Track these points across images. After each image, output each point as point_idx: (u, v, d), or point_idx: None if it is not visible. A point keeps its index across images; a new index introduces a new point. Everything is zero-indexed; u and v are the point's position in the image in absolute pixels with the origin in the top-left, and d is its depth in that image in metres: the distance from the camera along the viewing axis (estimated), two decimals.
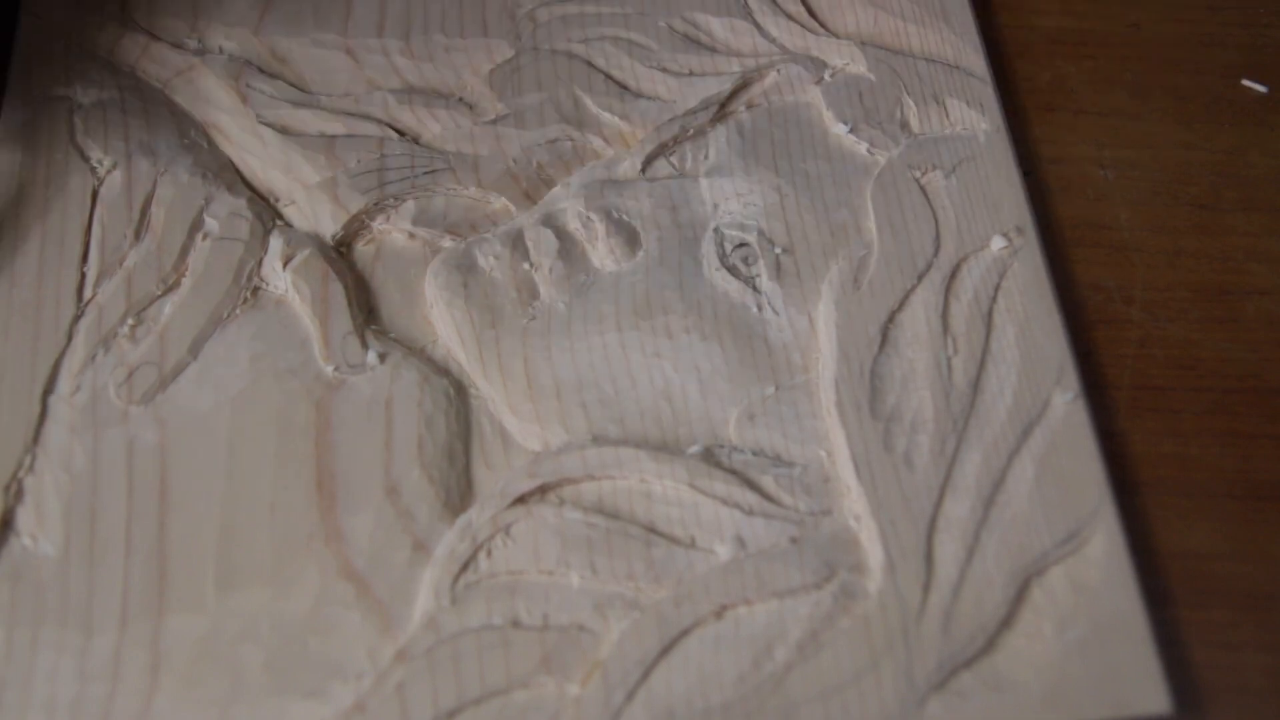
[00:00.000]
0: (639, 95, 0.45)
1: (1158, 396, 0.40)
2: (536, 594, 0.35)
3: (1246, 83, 0.47)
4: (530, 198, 0.43)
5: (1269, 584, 0.37)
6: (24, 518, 0.36)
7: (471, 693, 0.34)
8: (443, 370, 0.39)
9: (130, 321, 0.40)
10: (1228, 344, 0.41)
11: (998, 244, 0.41)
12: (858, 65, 0.45)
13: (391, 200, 0.42)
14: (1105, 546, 0.36)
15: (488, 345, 0.40)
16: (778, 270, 0.41)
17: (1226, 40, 0.47)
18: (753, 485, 0.37)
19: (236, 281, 0.40)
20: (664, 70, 0.46)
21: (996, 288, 0.40)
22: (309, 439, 0.38)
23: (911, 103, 0.45)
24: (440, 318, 0.40)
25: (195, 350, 0.39)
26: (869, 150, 0.44)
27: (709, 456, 0.38)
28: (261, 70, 0.45)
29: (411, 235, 0.42)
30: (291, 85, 0.45)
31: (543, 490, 0.37)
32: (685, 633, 0.35)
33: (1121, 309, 0.41)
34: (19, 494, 0.37)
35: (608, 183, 0.43)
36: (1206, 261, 0.42)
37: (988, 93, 0.45)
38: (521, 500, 0.37)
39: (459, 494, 0.37)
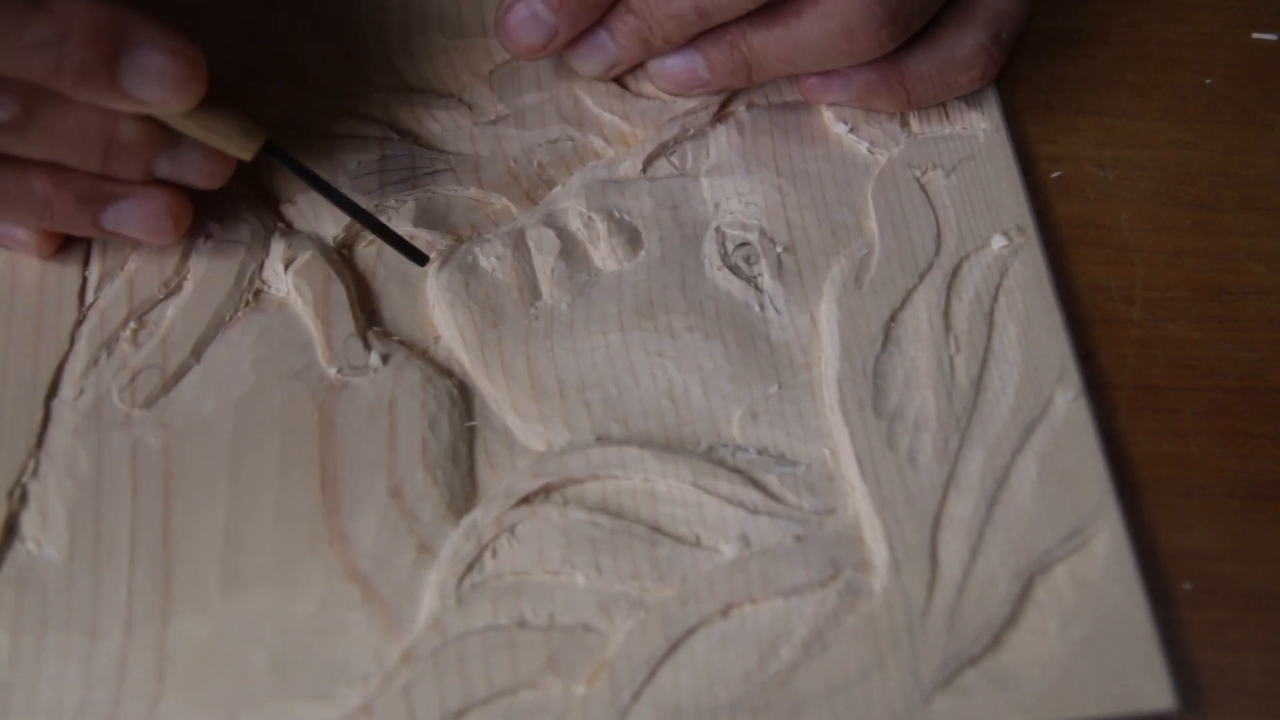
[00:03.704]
0: (639, 95, 0.45)
1: (1158, 396, 0.40)
2: (542, 594, 0.35)
3: (1257, 35, 0.47)
4: (531, 198, 0.43)
5: (1269, 584, 0.37)
6: (28, 522, 0.36)
7: (478, 693, 0.34)
8: (446, 371, 0.39)
9: (132, 325, 0.40)
10: (1228, 344, 0.41)
11: (998, 243, 0.41)
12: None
13: (392, 201, 0.42)
14: (1108, 544, 0.36)
15: (490, 346, 0.40)
16: (779, 269, 0.41)
17: (1227, 40, 0.47)
18: (757, 484, 0.37)
19: (238, 284, 0.40)
20: None
21: (998, 286, 0.41)
22: (312, 441, 0.38)
23: None
24: (442, 318, 0.40)
25: (198, 353, 0.39)
26: (869, 150, 0.44)
27: (713, 455, 0.38)
28: None
29: (413, 236, 0.42)
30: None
31: (547, 490, 0.37)
32: (691, 632, 0.35)
33: (1121, 309, 0.42)
34: (23, 499, 0.37)
35: (609, 182, 0.43)
36: (1206, 261, 0.42)
37: (987, 92, 0.45)
38: (526, 500, 0.37)
39: (463, 495, 0.37)
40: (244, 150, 0.38)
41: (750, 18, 0.41)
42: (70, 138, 0.36)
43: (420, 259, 0.40)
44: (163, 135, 0.37)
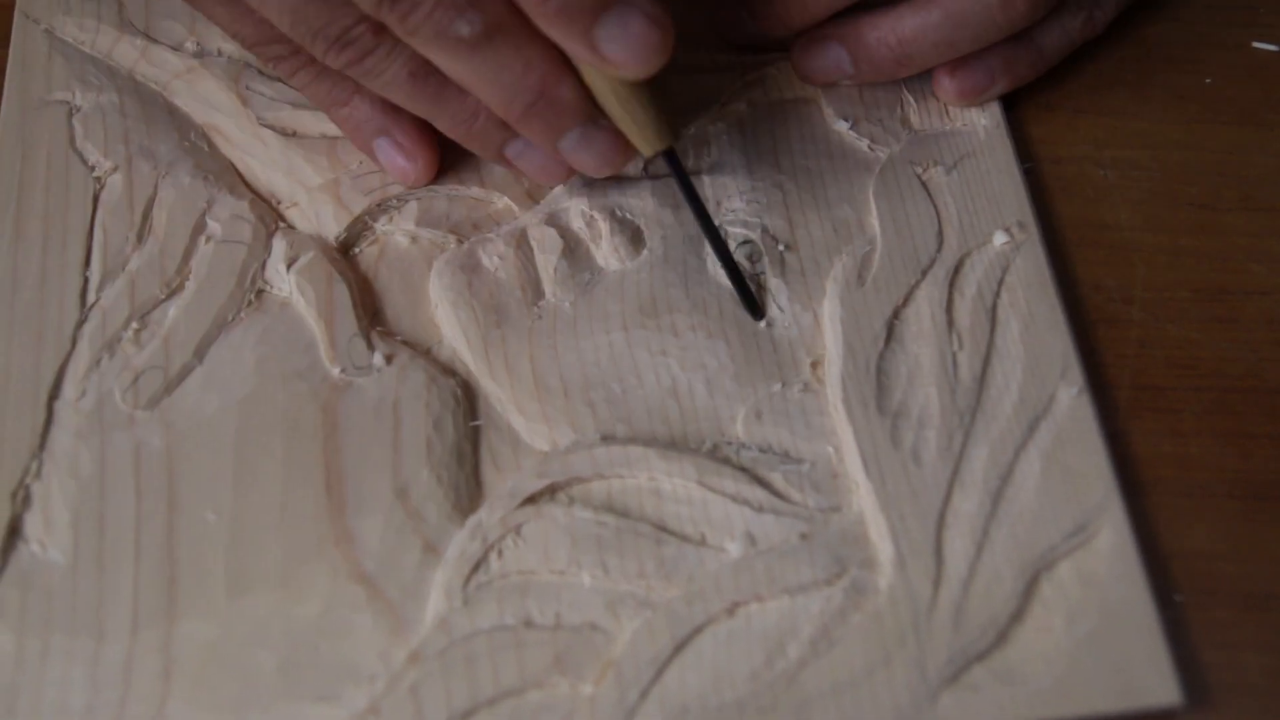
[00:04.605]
0: None
1: (1158, 396, 0.40)
2: (548, 594, 0.35)
3: (1258, 44, 0.47)
4: (533, 197, 0.43)
5: (1269, 584, 0.37)
6: (32, 524, 0.36)
7: (485, 693, 0.34)
8: (449, 371, 0.39)
9: (134, 326, 0.39)
10: (1228, 344, 0.41)
11: (1000, 239, 0.41)
12: None
13: (394, 201, 0.42)
14: (1112, 539, 0.36)
15: (494, 345, 0.40)
16: (782, 267, 0.41)
17: (1227, 40, 0.47)
18: (761, 482, 0.37)
19: (240, 284, 0.40)
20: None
21: (1000, 283, 0.41)
22: (316, 442, 0.38)
23: (911, 99, 0.45)
24: (445, 318, 0.40)
25: (200, 354, 0.39)
26: (870, 147, 0.44)
27: (717, 454, 0.38)
28: (261, 72, 0.45)
29: (415, 236, 0.42)
30: (291, 87, 0.45)
31: (552, 490, 0.37)
32: (698, 630, 0.35)
33: (1121, 309, 0.42)
34: (26, 500, 0.37)
35: (610, 181, 0.43)
36: (1206, 261, 0.43)
37: None
38: (531, 500, 0.37)
39: (468, 495, 0.37)
40: (648, 145, 0.38)
41: (899, 8, 0.41)
42: (511, 75, 0.36)
43: (757, 313, 0.40)
44: (588, 108, 0.37)
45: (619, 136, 0.38)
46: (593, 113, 0.38)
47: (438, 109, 0.39)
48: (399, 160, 0.41)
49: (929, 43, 0.42)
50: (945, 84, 0.44)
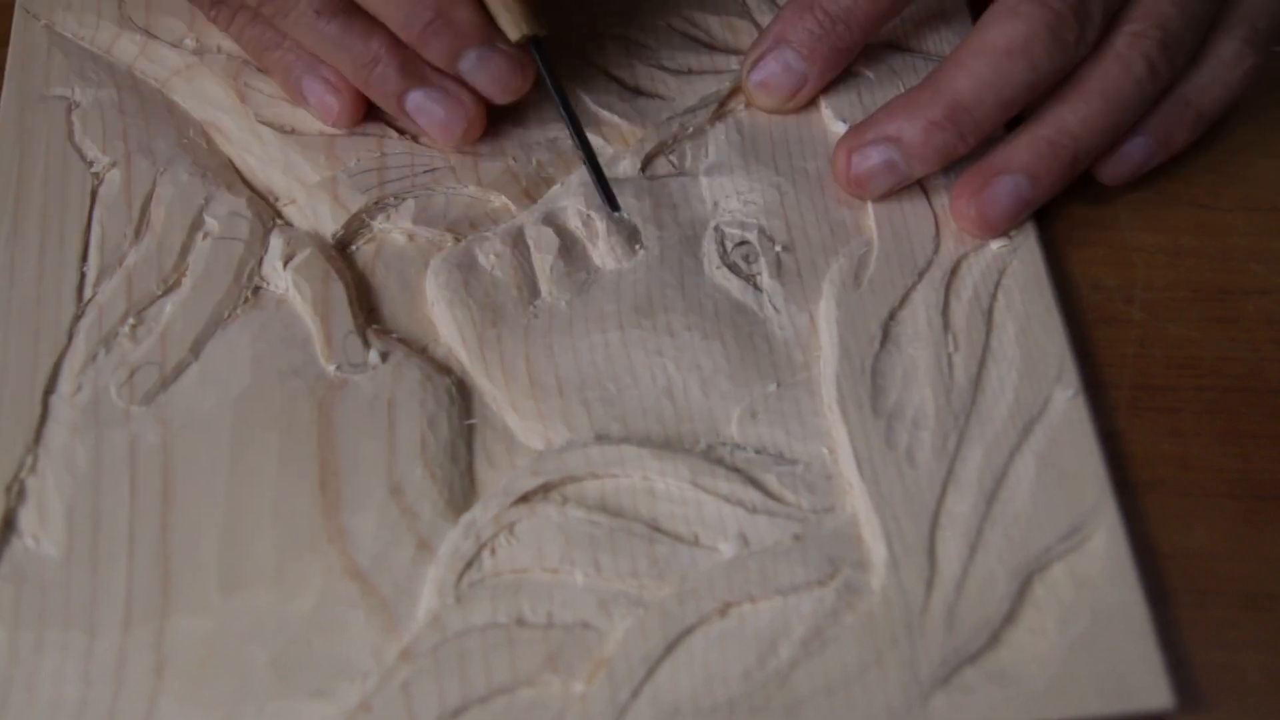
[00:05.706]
0: (638, 94, 0.45)
1: (1158, 396, 0.40)
2: (541, 592, 0.35)
3: None
4: (530, 196, 0.43)
5: (1269, 584, 0.37)
6: (26, 518, 0.36)
7: (477, 691, 0.34)
8: (445, 369, 0.39)
9: (131, 321, 0.39)
10: (1228, 344, 0.41)
11: (997, 241, 0.41)
12: (855, 63, 0.46)
13: (392, 199, 0.42)
14: (1106, 542, 0.36)
15: (489, 344, 0.40)
16: (778, 268, 0.41)
17: None
18: (755, 483, 0.37)
19: (237, 281, 0.40)
20: (663, 68, 0.46)
21: (996, 285, 0.41)
22: (311, 438, 0.38)
23: None
24: (441, 316, 0.40)
25: (197, 350, 0.39)
26: None
27: (711, 454, 0.38)
28: (260, 69, 0.45)
29: (412, 234, 0.42)
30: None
31: (546, 488, 0.37)
32: (690, 630, 0.35)
33: (1121, 308, 0.42)
34: (21, 494, 0.37)
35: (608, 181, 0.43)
36: (1206, 261, 0.42)
37: None
38: (525, 498, 0.37)
39: (462, 492, 0.37)
40: (516, 29, 0.41)
41: (1058, 108, 0.40)
42: None
43: (614, 205, 0.42)
44: (485, 31, 0.41)
45: (516, 60, 0.41)
46: (489, 35, 0.41)
47: (341, 51, 0.41)
48: (326, 96, 0.43)
49: (1098, 131, 0.40)
50: (1104, 170, 0.42)
